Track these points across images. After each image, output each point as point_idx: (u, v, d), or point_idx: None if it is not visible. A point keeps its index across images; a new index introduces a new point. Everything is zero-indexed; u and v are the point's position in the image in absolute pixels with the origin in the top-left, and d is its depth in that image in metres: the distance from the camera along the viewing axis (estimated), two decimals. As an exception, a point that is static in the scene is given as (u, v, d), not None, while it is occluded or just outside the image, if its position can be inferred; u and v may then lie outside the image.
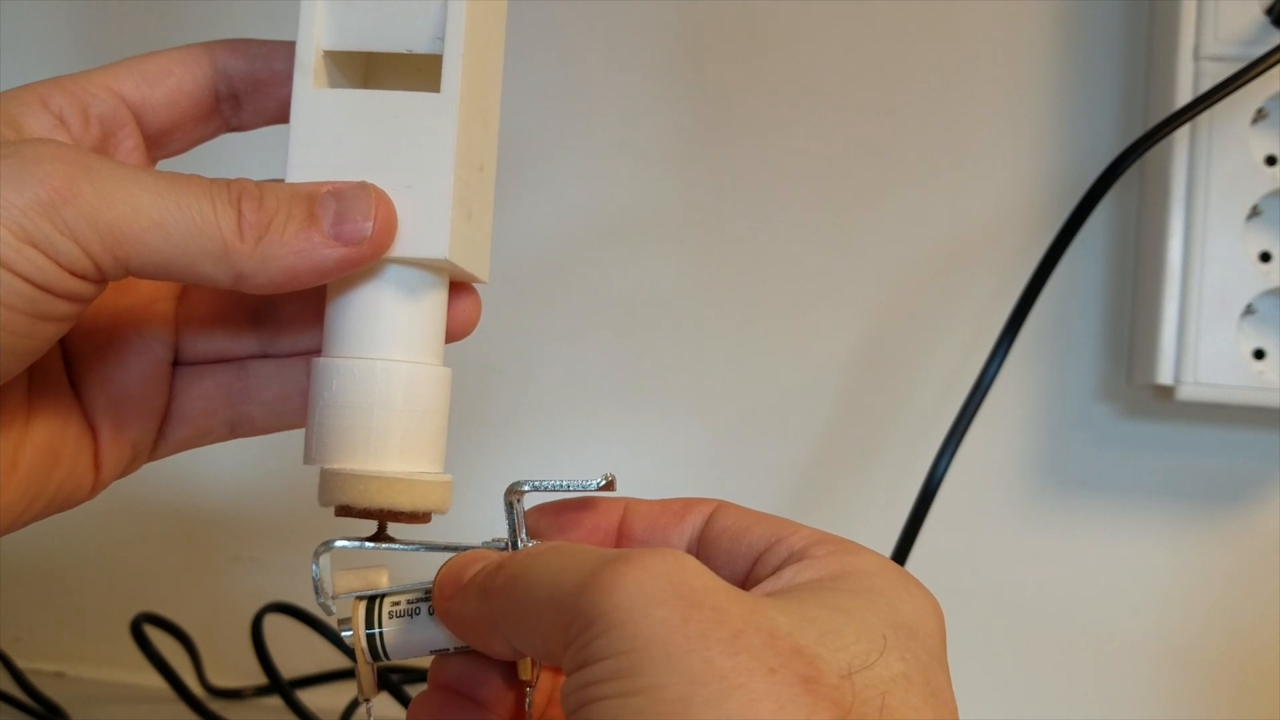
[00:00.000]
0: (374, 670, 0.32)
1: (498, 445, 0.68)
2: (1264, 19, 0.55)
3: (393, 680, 0.60)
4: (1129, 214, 0.63)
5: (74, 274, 0.27)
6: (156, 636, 0.63)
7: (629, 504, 0.33)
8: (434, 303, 0.31)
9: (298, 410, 0.34)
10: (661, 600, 0.24)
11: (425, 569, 0.32)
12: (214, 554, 0.71)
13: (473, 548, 0.31)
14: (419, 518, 0.32)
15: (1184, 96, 0.55)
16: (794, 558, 0.29)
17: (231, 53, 0.32)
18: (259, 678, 0.63)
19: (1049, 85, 0.63)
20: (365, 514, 0.31)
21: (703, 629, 0.24)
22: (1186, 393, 0.56)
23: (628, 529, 0.32)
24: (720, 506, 0.32)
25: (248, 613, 0.61)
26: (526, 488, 0.32)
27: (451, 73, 0.30)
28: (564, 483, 0.32)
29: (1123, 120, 0.63)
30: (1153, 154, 0.56)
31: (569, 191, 0.67)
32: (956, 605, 0.67)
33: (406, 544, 0.32)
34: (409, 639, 0.32)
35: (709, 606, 0.24)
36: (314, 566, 0.32)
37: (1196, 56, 0.56)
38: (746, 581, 0.30)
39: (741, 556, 0.30)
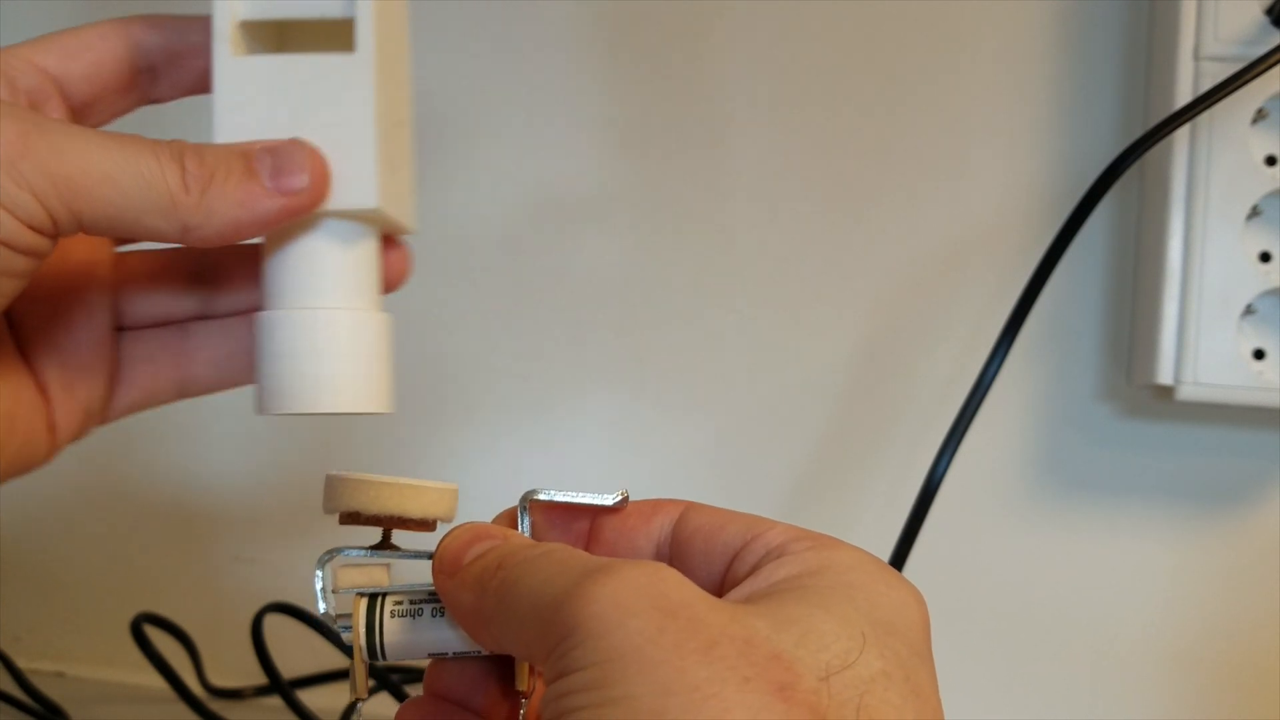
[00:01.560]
0: (367, 669, 0.32)
1: (497, 447, 0.68)
2: (1264, 19, 0.55)
3: (392, 680, 0.60)
4: (1129, 214, 0.63)
5: (31, 228, 0.28)
6: (156, 636, 0.63)
7: (598, 511, 0.33)
8: (368, 252, 0.32)
9: (242, 368, 0.35)
10: (638, 611, 0.24)
11: (427, 577, 0.32)
12: (214, 554, 0.71)
13: None
14: (426, 525, 0.32)
15: (1184, 96, 0.55)
16: (771, 555, 0.29)
17: (147, 28, 0.33)
18: (259, 678, 0.63)
19: (1049, 85, 0.63)
20: (374, 521, 0.32)
21: (678, 639, 0.24)
22: (1186, 393, 0.56)
23: (596, 531, 0.33)
24: (690, 507, 0.32)
25: (248, 613, 0.61)
26: (542, 497, 0.32)
27: (365, 33, 0.31)
28: (578, 495, 0.32)
29: (1123, 120, 0.63)
30: (1153, 154, 0.56)
31: (570, 192, 0.67)
32: (956, 605, 0.68)
33: (411, 553, 0.32)
34: (409, 640, 0.31)
35: (685, 617, 0.24)
36: (317, 575, 0.32)
37: (1196, 56, 0.56)
38: (724, 580, 0.30)
39: (717, 556, 0.30)
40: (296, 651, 0.63)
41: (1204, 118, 0.55)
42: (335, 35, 0.32)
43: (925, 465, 0.54)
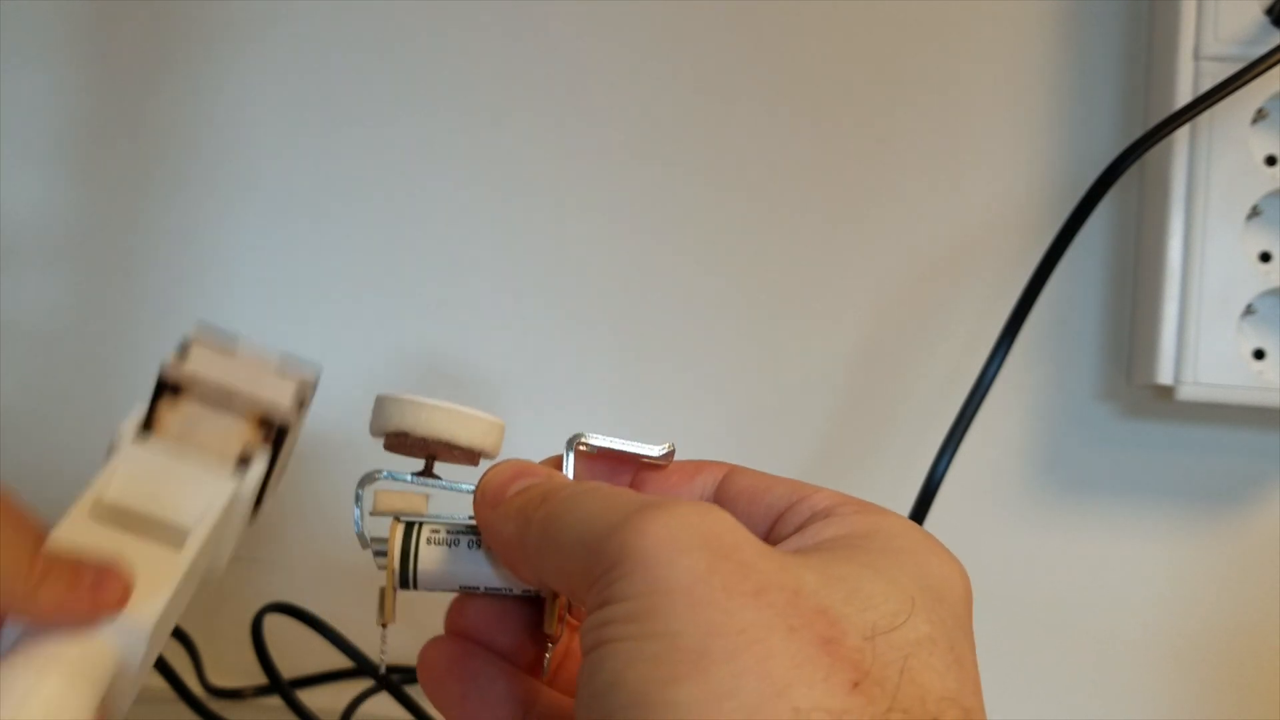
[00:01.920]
0: (396, 597, 0.32)
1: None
2: (1264, 19, 0.55)
3: (393, 680, 0.60)
4: (1129, 214, 0.63)
5: None
6: (156, 636, 0.63)
7: (641, 465, 0.33)
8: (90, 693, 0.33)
9: None
10: (689, 548, 0.24)
11: (464, 513, 0.32)
12: (214, 554, 0.71)
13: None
14: (471, 456, 0.32)
15: (1184, 96, 0.55)
16: (818, 515, 0.29)
17: None
18: (259, 678, 0.63)
19: (1049, 85, 0.63)
20: (420, 445, 0.32)
21: (727, 581, 0.23)
22: (1186, 393, 0.56)
23: (638, 486, 0.33)
24: (734, 469, 0.32)
25: (248, 613, 0.61)
26: (590, 440, 0.32)
27: (192, 545, 0.35)
28: (626, 443, 0.32)
29: (1123, 120, 0.63)
30: (1153, 154, 0.56)
31: (575, 188, 0.67)
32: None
33: (452, 484, 0.32)
34: (443, 570, 0.31)
35: (736, 560, 0.24)
36: (357, 495, 0.32)
37: (1196, 56, 0.56)
38: (767, 540, 0.29)
39: (760, 516, 0.30)
40: (296, 651, 0.63)
41: (1204, 118, 0.55)
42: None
43: (925, 465, 0.55)
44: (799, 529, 0.28)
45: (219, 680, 0.67)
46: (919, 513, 0.54)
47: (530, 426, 0.68)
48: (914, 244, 0.64)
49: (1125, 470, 0.63)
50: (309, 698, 0.62)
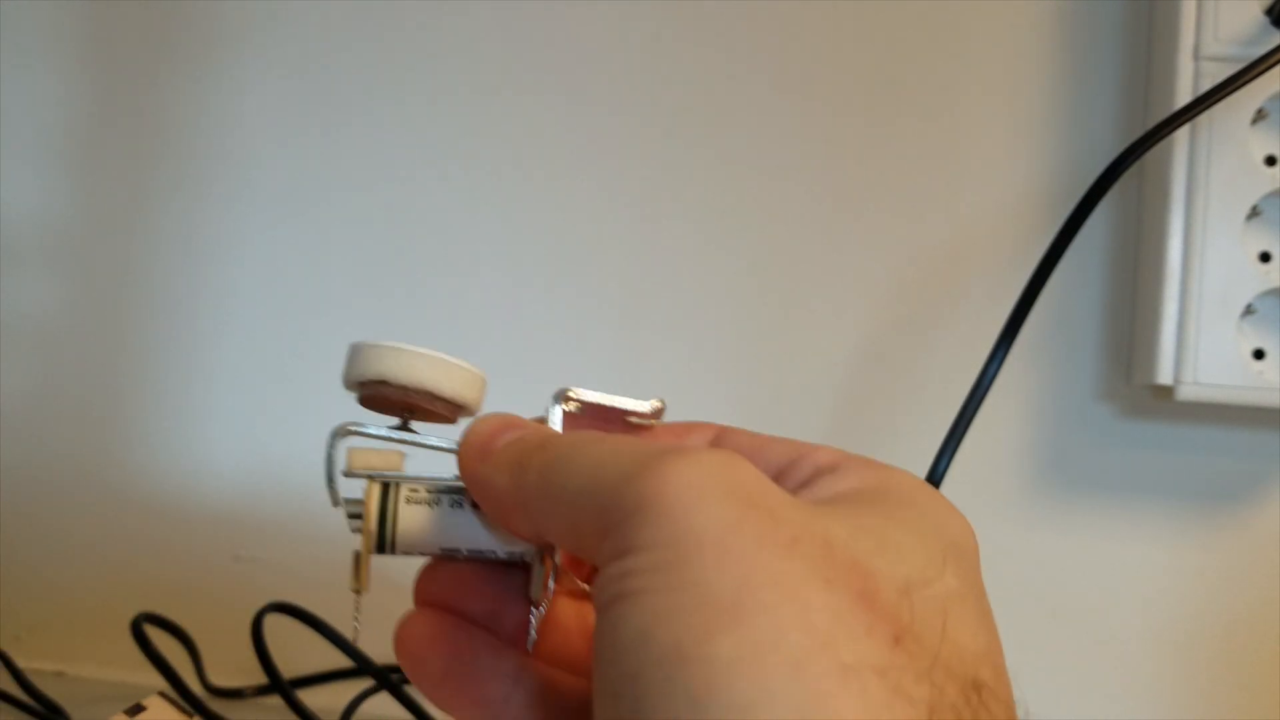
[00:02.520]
0: (371, 561, 0.29)
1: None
2: (1264, 19, 0.55)
3: (393, 680, 0.60)
4: (1129, 214, 0.63)
5: None
6: (156, 636, 0.63)
7: (628, 424, 0.31)
8: None
9: None
10: (716, 496, 0.22)
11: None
12: (214, 554, 0.71)
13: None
14: (452, 409, 0.30)
15: (1184, 96, 0.55)
16: (824, 470, 0.27)
17: None
18: (259, 677, 0.63)
19: (1048, 85, 0.63)
20: (400, 395, 0.29)
21: (759, 530, 0.22)
22: (1186, 393, 0.56)
23: None
24: (726, 429, 0.31)
25: (248, 613, 0.61)
26: (578, 393, 0.30)
27: None
28: (614, 397, 0.30)
29: (1123, 120, 0.63)
30: (1153, 154, 0.56)
31: (576, 185, 0.67)
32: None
33: (433, 441, 0.30)
34: (423, 531, 0.29)
35: (765, 508, 0.23)
36: (331, 443, 0.30)
37: (1196, 56, 0.56)
38: None
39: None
40: (296, 651, 0.63)
41: (1204, 118, 0.55)
42: None
43: (925, 465, 0.54)
44: (805, 484, 0.27)
45: (219, 680, 0.67)
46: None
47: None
48: (914, 244, 0.64)
49: (1125, 470, 0.63)
50: (309, 697, 0.62)
